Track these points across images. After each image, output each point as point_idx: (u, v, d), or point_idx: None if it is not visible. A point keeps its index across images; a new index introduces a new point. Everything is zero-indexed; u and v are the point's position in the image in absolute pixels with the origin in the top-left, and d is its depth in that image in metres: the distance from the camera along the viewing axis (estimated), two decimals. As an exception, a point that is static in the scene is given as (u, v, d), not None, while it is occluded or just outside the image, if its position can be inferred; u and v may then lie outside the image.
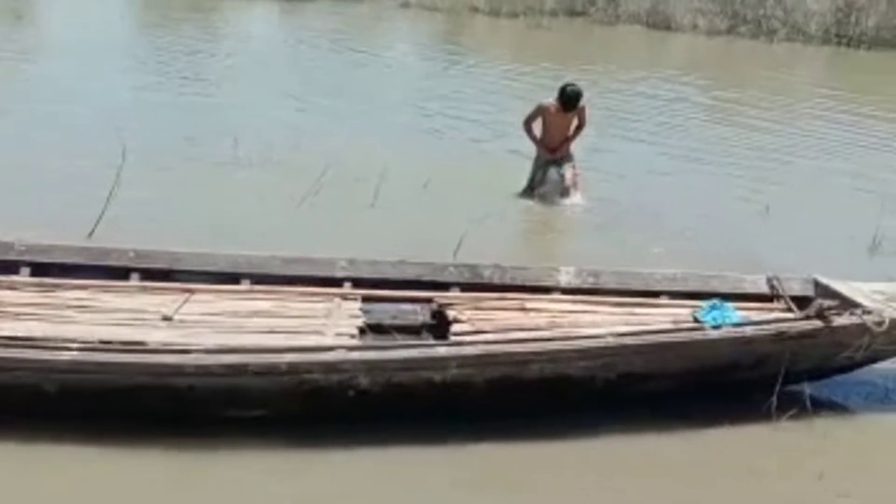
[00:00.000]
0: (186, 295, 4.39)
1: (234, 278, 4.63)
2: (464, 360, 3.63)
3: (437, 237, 5.76)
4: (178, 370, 3.51)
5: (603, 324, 4.23)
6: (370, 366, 3.60)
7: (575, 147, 7.26)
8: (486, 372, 3.68)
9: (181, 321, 4.13)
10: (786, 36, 17.47)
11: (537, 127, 7.16)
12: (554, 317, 4.30)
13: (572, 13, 19.46)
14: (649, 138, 9.67)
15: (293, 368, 3.56)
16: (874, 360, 4.27)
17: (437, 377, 3.65)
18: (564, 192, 7.08)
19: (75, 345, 3.63)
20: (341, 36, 16.29)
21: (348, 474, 3.52)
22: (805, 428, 3.95)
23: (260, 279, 4.61)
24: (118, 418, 3.53)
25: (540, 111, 7.16)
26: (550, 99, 7.16)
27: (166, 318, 4.14)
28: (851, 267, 5.60)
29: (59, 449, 3.48)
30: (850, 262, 5.94)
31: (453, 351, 3.65)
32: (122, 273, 4.52)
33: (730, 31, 18.05)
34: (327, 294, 4.54)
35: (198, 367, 3.54)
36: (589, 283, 4.62)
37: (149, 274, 4.52)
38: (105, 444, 3.49)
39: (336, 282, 4.64)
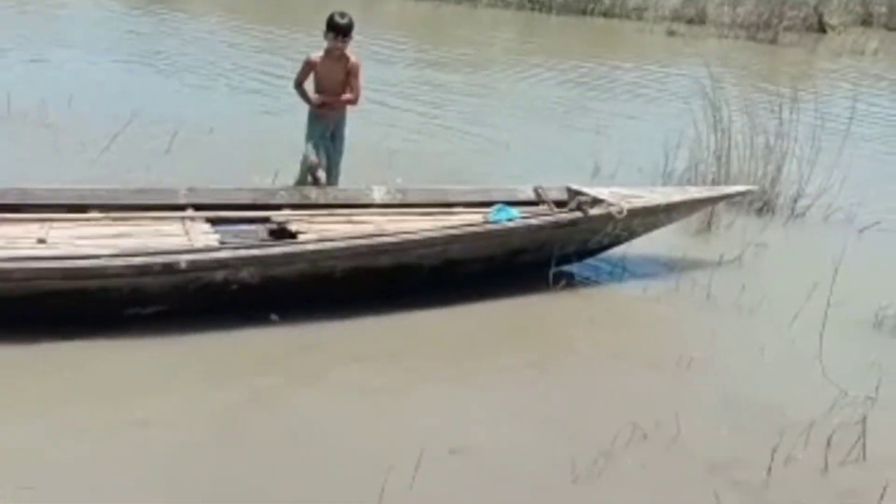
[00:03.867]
0: (46, 224, 4.82)
1: (81, 209, 5.10)
2: (331, 253, 4.50)
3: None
4: (93, 273, 4.05)
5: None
6: (256, 261, 4.35)
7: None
8: (346, 262, 4.57)
9: (56, 244, 4.59)
10: (488, 2, 19.34)
11: (309, 86, 6.51)
12: (378, 226, 5.25)
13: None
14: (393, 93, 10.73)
15: (192, 266, 4.23)
16: (614, 245, 5.66)
17: (308, 269, 4.49)
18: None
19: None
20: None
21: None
22: (574, 294, 5.27)
23: (108, 208, 5.12)
24: (30, 322, 4.02)
25: (309, 67, 6.46)
26: (317, 53, 6.55)
27: (41, 241, 4.58)
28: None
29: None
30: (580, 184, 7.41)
31: (323, 245, 4.50)
32: None
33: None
34: (175, 217, 5.16)
35: (104, 268, 4.10)
36: (398, 199, 5.62)
37: None
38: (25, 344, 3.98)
39: (179, 208, 5.27)
